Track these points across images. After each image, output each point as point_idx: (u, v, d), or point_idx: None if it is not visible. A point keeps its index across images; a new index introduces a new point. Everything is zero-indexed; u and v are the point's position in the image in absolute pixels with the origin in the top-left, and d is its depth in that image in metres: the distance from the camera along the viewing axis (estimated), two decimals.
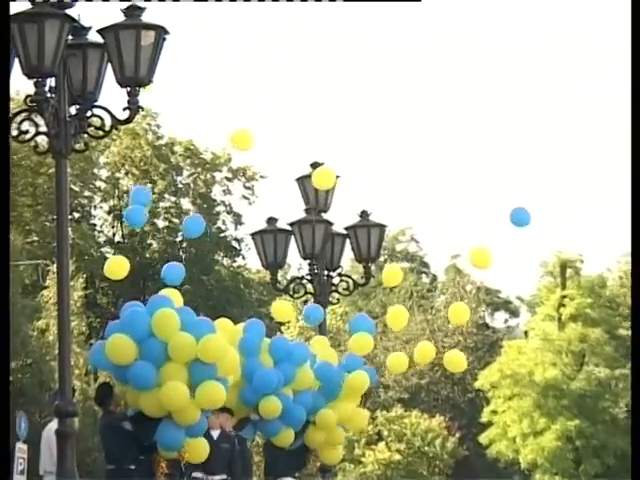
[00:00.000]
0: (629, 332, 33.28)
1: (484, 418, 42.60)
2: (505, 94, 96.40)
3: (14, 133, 10.21)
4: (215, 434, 10.90)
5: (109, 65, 10.37)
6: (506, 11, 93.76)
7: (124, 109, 10.35)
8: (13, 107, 11.27)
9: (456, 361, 13.21)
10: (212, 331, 9.78)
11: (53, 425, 11.00)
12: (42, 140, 11.33)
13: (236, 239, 49.42)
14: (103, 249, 48.03)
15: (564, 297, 43.28)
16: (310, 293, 16.33)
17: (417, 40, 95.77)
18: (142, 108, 10.92)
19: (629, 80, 9.99)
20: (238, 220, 49.61)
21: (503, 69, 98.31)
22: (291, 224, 16.14)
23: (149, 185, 47.97)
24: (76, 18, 10.25)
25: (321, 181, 12.80)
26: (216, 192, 49.94)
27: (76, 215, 46.57)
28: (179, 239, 48.53)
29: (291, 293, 16.92)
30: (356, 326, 13.39)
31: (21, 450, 18.48)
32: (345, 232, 16.48)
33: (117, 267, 11.29)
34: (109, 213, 48.45)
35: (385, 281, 14.99)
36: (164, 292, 10.74)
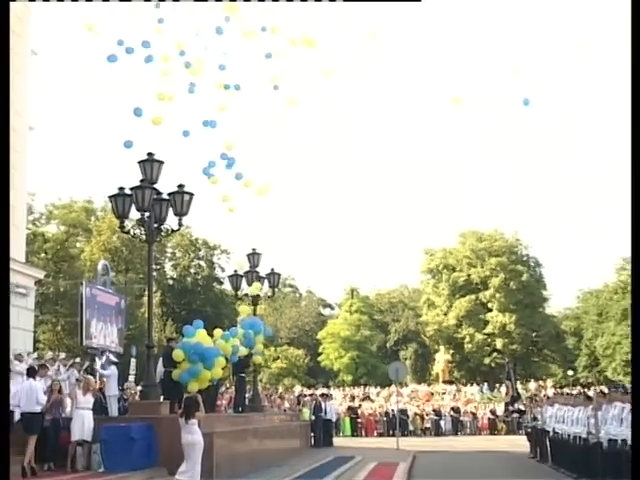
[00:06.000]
0: None
1: None
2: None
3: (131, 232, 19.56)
4: None
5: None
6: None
7: (178, 226, 20.15)
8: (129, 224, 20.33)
9: None
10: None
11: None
12: (141, 234, 19.84)
13: None
14: None
15: None
16: None
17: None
18: (182, 225, 20.54)
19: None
20: None
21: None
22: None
23: None
24: (158, 189, 19.14)
25: None
26: None
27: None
28: None
29: None
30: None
31: None
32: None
33: None
34: None
35: None
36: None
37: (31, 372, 18.02)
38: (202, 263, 65.55)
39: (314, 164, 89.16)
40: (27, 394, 17.20)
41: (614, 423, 16.47)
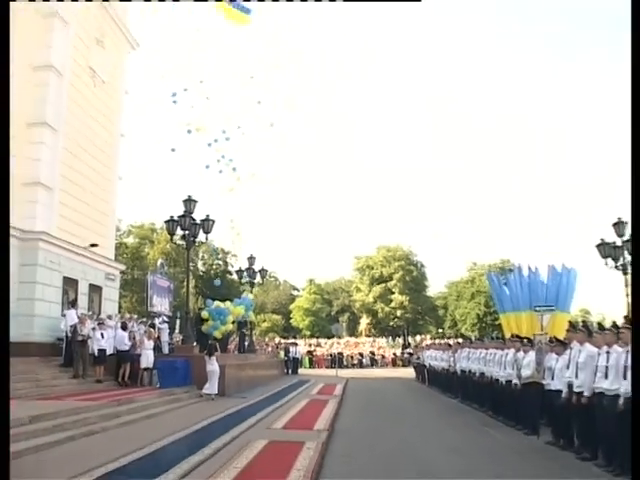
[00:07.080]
0: None
1: None
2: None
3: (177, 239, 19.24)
4: None
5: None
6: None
7: (205, 240, 19.60)
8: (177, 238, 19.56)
9: None
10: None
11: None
12: (183, 244, 19.67)
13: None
14: None
15: None
16: None
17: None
18: (208, 239, 19.98)
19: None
20: None
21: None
22: None
23: None
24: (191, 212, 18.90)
25: None
26: None
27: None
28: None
29: None
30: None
31: None
32: None
33: None
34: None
35: None
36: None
37: (123, 326, 18.07)
38: (220, 262, 65.03)
39: (291, 176, 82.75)
40: (121, 339, 17.36)
41: (464, 360, 16.53)
